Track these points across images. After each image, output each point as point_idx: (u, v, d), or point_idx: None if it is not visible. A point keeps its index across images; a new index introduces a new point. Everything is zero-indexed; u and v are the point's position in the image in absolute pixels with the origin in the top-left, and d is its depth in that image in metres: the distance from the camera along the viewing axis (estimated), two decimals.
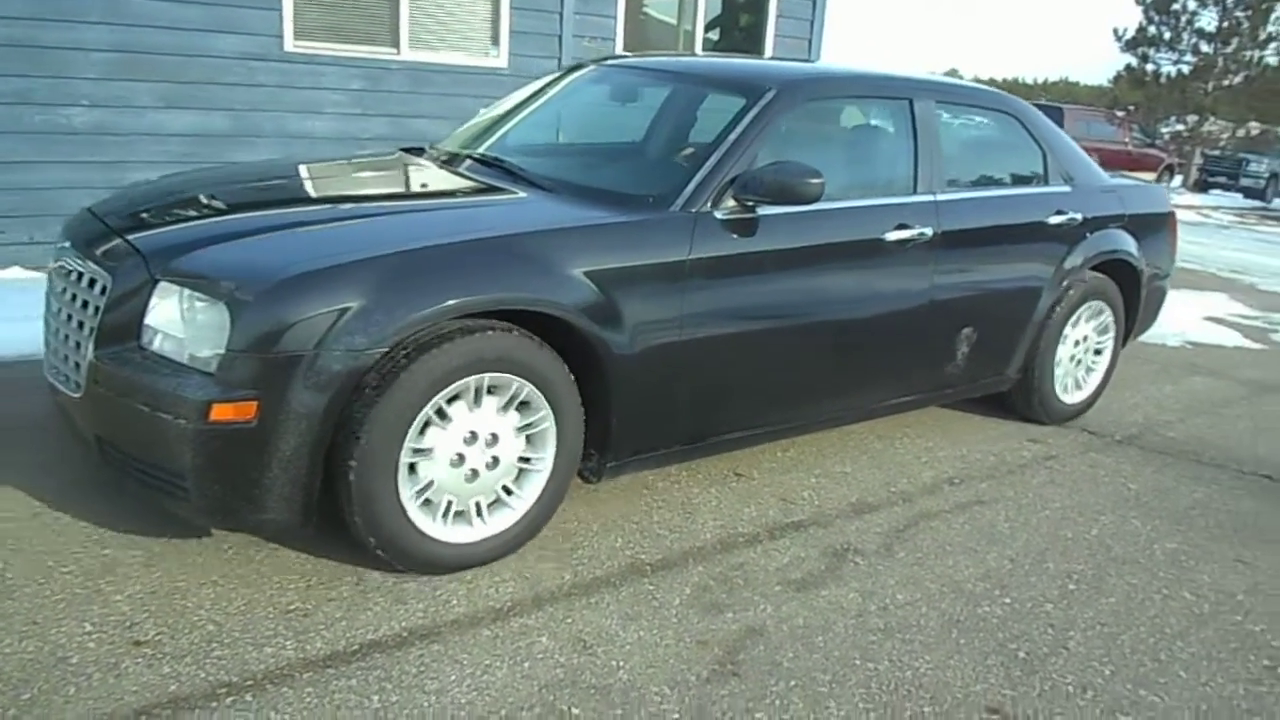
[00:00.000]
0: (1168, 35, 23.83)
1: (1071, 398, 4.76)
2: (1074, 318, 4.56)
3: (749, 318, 3.31)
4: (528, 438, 2.91)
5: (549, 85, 4.32)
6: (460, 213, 3.21)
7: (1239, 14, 22.85)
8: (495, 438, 2.84)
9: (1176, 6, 23.63)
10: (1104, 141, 19.33)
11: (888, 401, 4.06)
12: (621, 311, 2.94)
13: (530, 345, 2.79)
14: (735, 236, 3.19)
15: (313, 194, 3.64)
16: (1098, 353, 4.84)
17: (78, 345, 2.75)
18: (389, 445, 2.61)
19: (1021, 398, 4.59)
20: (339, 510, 2.67)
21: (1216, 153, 23.79)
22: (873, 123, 4.19)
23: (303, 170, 3.90)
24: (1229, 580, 3.31)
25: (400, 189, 3.73)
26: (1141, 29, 24.20)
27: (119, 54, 5.86)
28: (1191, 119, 23.64)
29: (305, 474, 2.57)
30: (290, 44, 6.40)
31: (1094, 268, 4.54)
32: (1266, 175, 22.89)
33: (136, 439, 2.60)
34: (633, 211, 3.10)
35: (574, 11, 7.36)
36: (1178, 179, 22.71)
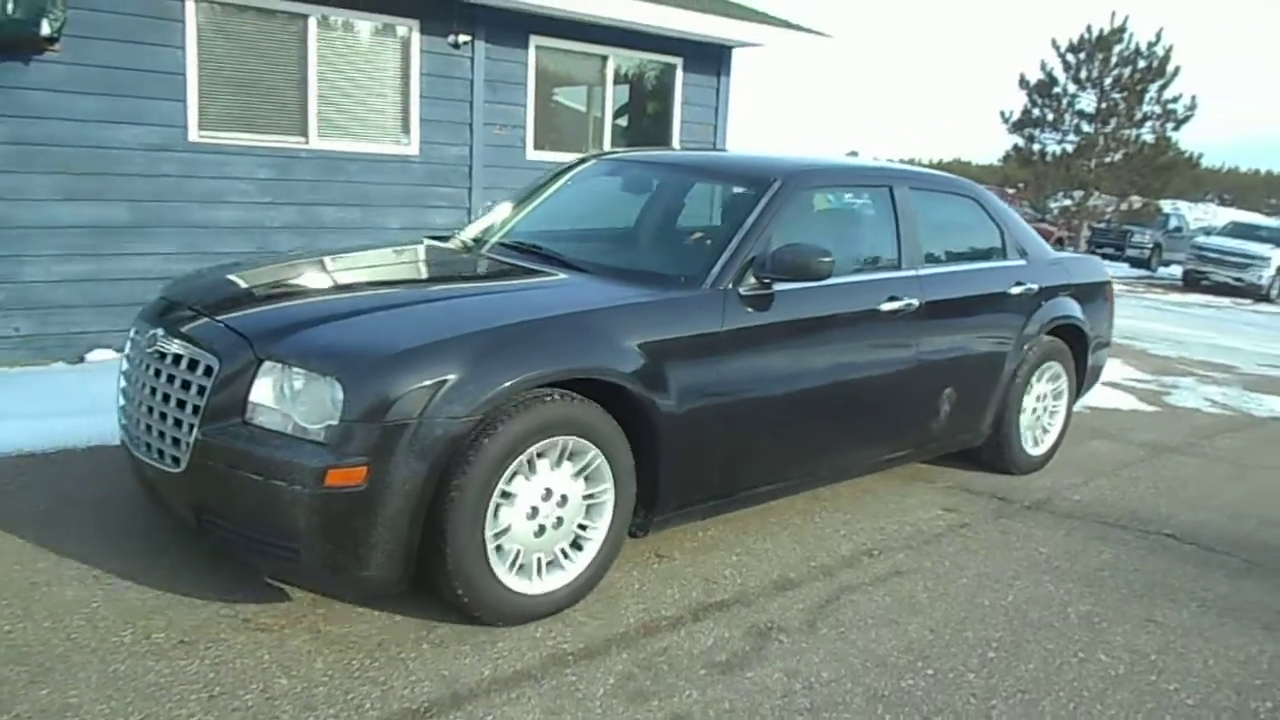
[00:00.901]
0: (1051, 117, 25.26)
1: (1035, 450, 5.21)
2: (1034, 378, 5.02)
3: (771, 381, 3.69)
4: (588, 505, 3.21)
5: (563, 176, 4.75)
6: (523, 294, 3.54)
7: (1115, 96, 24.41)
8: (563, 497, 3.14)
9: (1058, 90, 25.12)
10: None
11: (884, 456, 4.48)
12: (668, 377, 3.29)
13: (594, 409, 3.11)
14: (757, 310, 3.59)
15: (378, 279, 3.93)
16: (1054, 411, 5.30)
17: (178, 423, 2.97)
18: (478, 502, 2.88)
19: (993, 451, 5.00)
20: (430, 564, 2.90)
21: (1102, 225, 25.15)
22: (861, 207, 4.62)
23: (355, 258, 4.24)
24: (1141, 640, 3.38)
25: (459, 273, 4.05)
26: (1026, 111, 25.62)
27: (13, 146, 5.72)
28: (1078, 194, 24.95)
29: (406, 532, 2.82)
30: (195, 134, 6.33)
31: (1048, 333, 5.03)
32: (1150, 245, 24.31)
33: (246, 507, 2.82)
34: (670, 290, 3.49)
35: (484, 100, 7.47)
36: (1067, 251, 23.85)
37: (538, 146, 7.88)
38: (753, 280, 3.59)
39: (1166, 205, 27.08)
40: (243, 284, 3.61)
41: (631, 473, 3.26)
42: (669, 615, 3.25)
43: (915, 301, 4.22)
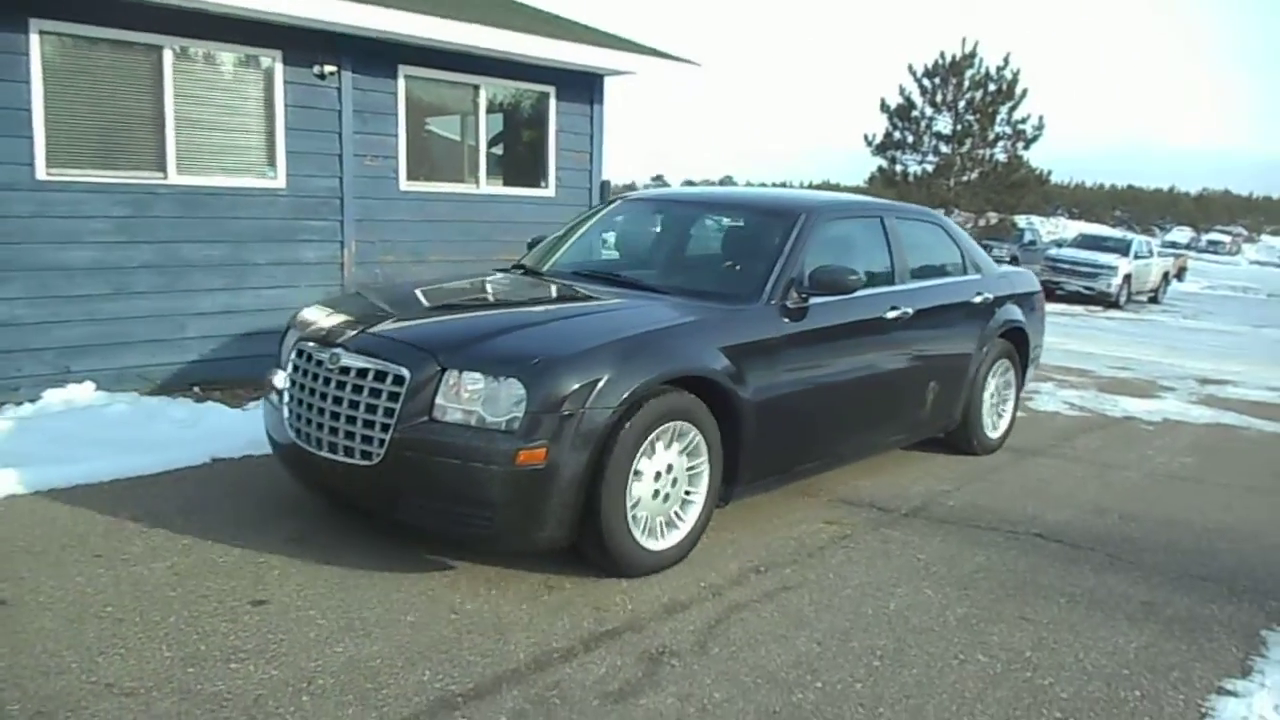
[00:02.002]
0: (911, 139, 26.44)
1: (993, 434, 6.21)
2: (991, 373, 5.98)
3: (812, 376, 4.53)
4: (692, 470, 3.97)
5: (605, 213, 5.74)
6: (633, 311, 4.26)
7: (969, 118, 25.71)
8: (670, 468, 3.88)
9: (916, 113, 26.32)
10: None
11: (889, 439, 5.42)
12: (745, 374, 4.10)
13: (693, 399, 3.88)
14: (797, 319, 4.44)
15: (503, 300, 4.76)
16: (1006, 400, 6.30)
17: (369, 424, 3.62)
18: (621, 477, 3.63)
19: (962, 436, 5.96)
20: (585, 528, 3.60)
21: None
22: (862, 234, 5.35)
23: (463, 283, 5.10)
24: (1016, 638, 3.52)
25: (566, 295, 4.68)
26: (888, 134, 26.74)
27: None
28: (939, 211, 26.14)
29: (573, 500, 3.55)
30: (43, 172, 5.99)
31: (1000, 335, 6.01)
32: (1008, 259, 25.60)
33: (446, 486, 3.51)
34: (735, 305, 4.35)
35: (354, 131, 7.32)
36: None
37: (411, 177, 7.76)
38: (794, 295, 4.45)
39: (1021, 220, 28.66)
40: (389, 308, 4.32)
41: (720, 448, 4.03)
42: (560, 647, 3.22)
43: (909, 310, 5.15)
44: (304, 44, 6.93)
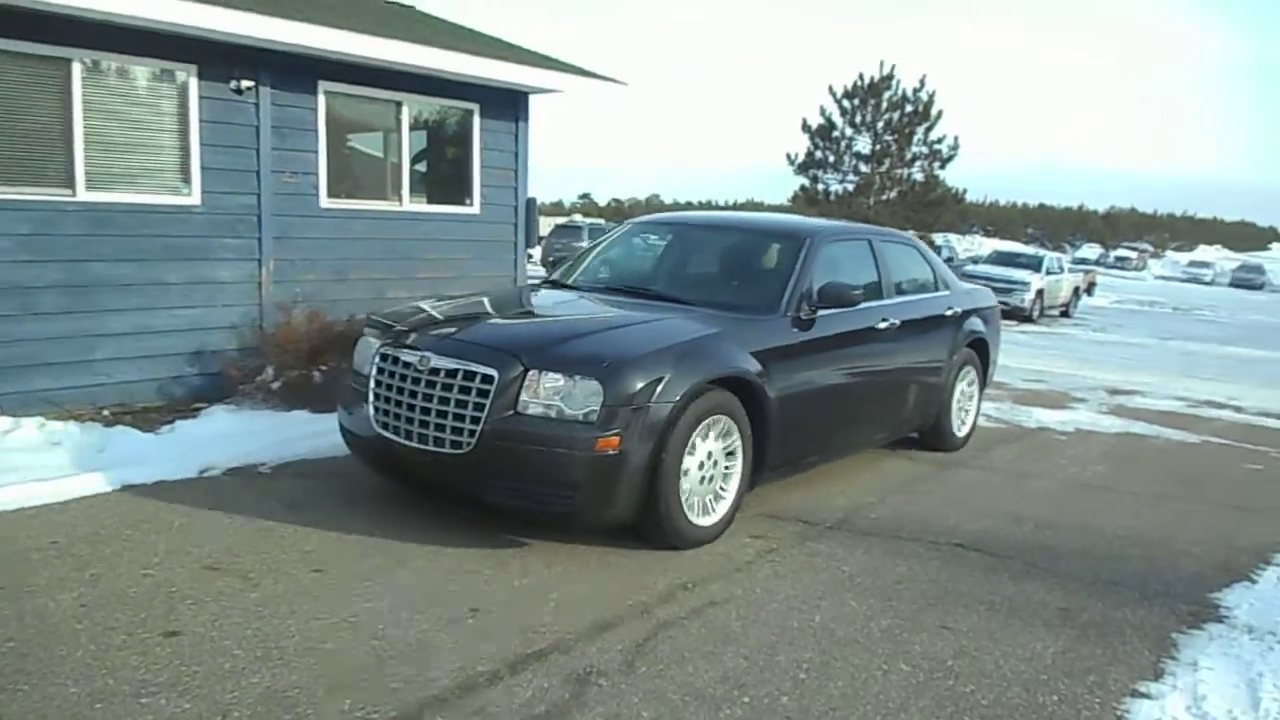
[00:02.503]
0: (832, 159, 26.99)
1: (960, 432, 6.87)
2: (958, 378, 6.65)
3: (820, 378, 5.17)
4: (728, 458, 4.58)
5: (620, 235, 6.43)
6: (677, 321, 4.78)
7: (888, 138, 26.35)
8: (713, 452, 4.49)
9: (837, 134, 26.88)
10: None
11: (877, 436, 6.10)
12: (771, 375, 4.70)
13: (733, 398, 4.52)
14: (808, 329, 5.06)
15: (555, 312, 5.31)
16: (970, 403, 6.97)
17: (460, 418, 4.15)
18: (677, 464, 4.24)
19: (934, 434, 6.62)
20: (646, 508, 4.20)
21: None
22: (854, 254, 5.93)
23: (519, 295, 6.06)
24: (938, 647, 3.58)
25: (613, 307, 5.17)
26: (810, 154, 27.26)
27: None
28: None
29: (640, 482, 4.13)
30: None
31: (966, 345, 6.70)
32: None
33: (534, 470, 4.04)
34: (759, 315, 4.99)
35: (272, 147, 7.17)
36: None
37: (332, 194, 7.63)
38: (805, 308, 5.07)
39: (939, 238, 29.40)
40: (460, 317, 4.88)
41: (751, 439, 4.62)
42: (486, 671, 3.17)
43: (896, 321, 5.81)
44: (220, 58, 6.78)
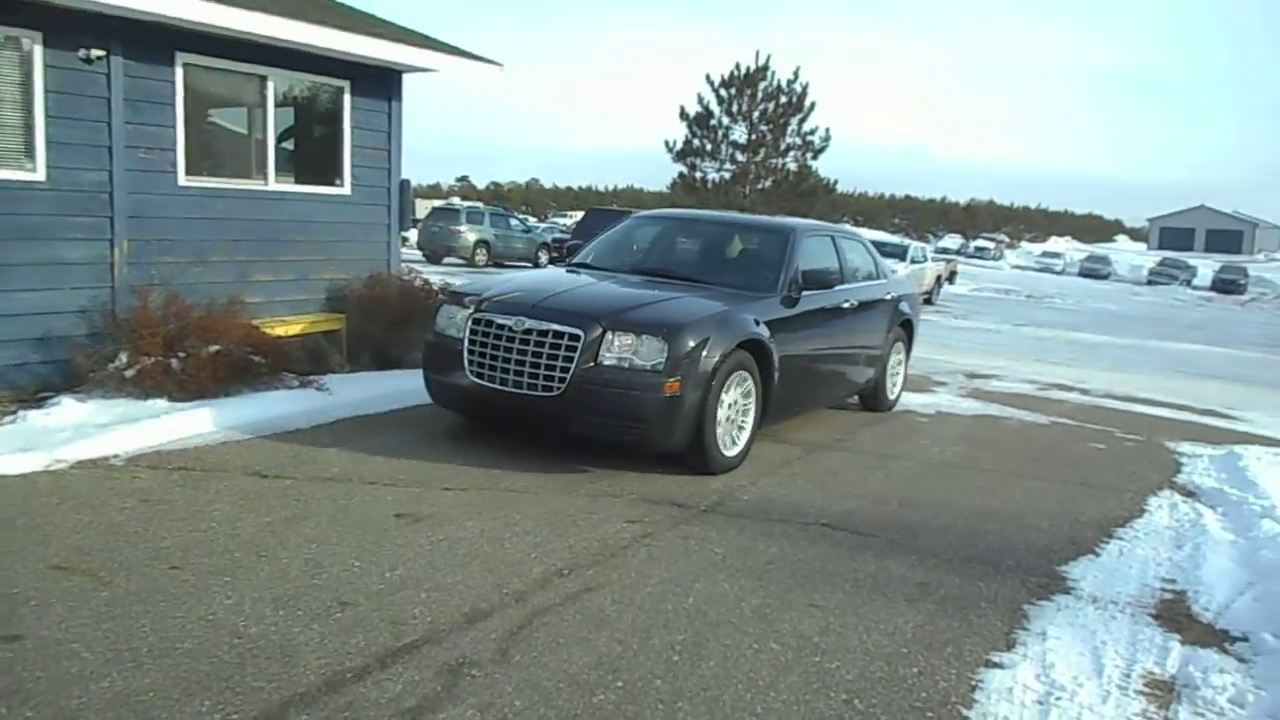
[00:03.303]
0: (709, 147, 27.31)
1: (891, 395, 8.24)
2: (892, 351, 8.00)
3: (803, 345, 6.45)
4: (745, 402, 5.79)
5: (626, 228, 7.66)
6: (706, 297, 5.99)
7: (763, 128, 26.82)
8: (736, 398, 5.70)
9: (714, 122, 27.20)
10: None
11: (840, 393, 7.55)
12: (775, 338, 5.93)
13: (750, 357, 5.72)
14: (794, 306, 6.32)
15: (608, 286, 6.25)
16: (898, 372, 8.35)
17: (551, 367, 5.30)
18: (715, 403, 5.42)
19: (874, 397, 8.01)
20: (693, 439, 5.43)
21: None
22: (823, 246, 7.18)
23: (565, 276, 6.65)
24: (805, 625, 3.69)
25: (652, 285, 6.27)
26: (688, 142, 27.51)
27: None
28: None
29: (692, 419, 5.33)
30: None
31: (898, 324, 8.06)
32: None
33: (614, 407, 5.24)
34: (761, 294, 6.22)
35: (125, 121, 6.75)
36: None
37: (192, 172, 7.25)
38: (794, 289, 6.34)
39: None
40: (545, 293, 5.85)
41: (761, 390, 5.86)
42: (354, 666, 3.09)
43: (855, 301, 7.16)
44: (68, 25, 6.34)
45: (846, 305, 7.01)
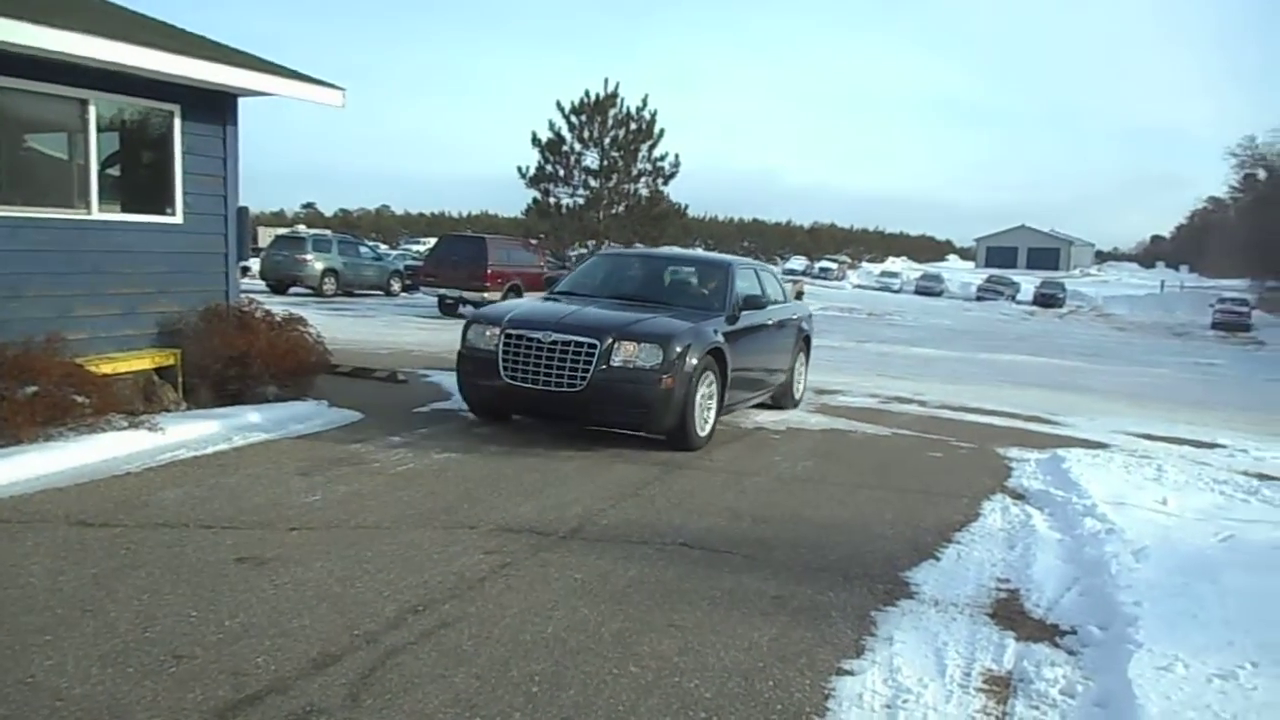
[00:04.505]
0: (562, 173, 27.42)
1: (797, 395, 10.08)
2: (797, 360, 9.88)
3: (743, 353, 8.07)
4: (710, 398, 7.47)
5: (594, 263, 9.71)
6: (676, 315, 7.60)
7: (614, 154, 27.14)
8: (706, 391, 7.40)
9: (566, 148, 27.34)
10: (524, 266, 21.38)
11: (764, 393, 9.13)
12: (731, 346, 7.67)
13: (714, 360, 7.41)
14: (735, 323, 7.99)
15: (600, 309, 7.71)
16: (802, 375, 10.24)
17: (575, 369, 6.92)
18: (694, 396, 7.09)
19: (785, 397, 9.69)
20: (679, 423, 7.11)
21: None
22: (750, 277, 9.13)
23: (563, 302, 8.11)
24: (665, 646, 3.71)
25: (631, 306, 7.84)
26: (540, 168, 27.54)
27: None
28: (592, 243, 27.31)
29: (680, 407, 7.00)
30: None
31: (802, 339, 10.03)
32: None
33: (624, 398, 6.90)
34: (713, 314, 7.88)
35: None
36: None
37: (4, 201, 6.75)
38: (735, 310, 8.10)
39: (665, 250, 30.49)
40: (559, 315, 7.39)
41: (720, 387, 7.56)
42: None
43: (775, 320, 9.09)
44: None
45: (770, 323, 8.90)
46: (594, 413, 6.98)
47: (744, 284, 8.56)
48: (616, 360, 6.85)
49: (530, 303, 8.77)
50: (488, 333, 7.33)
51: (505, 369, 7.10)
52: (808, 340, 10.27)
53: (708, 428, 7.42)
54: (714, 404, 7.48)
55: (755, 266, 9.71)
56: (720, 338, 7.50)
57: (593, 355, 6.82)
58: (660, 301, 8.03)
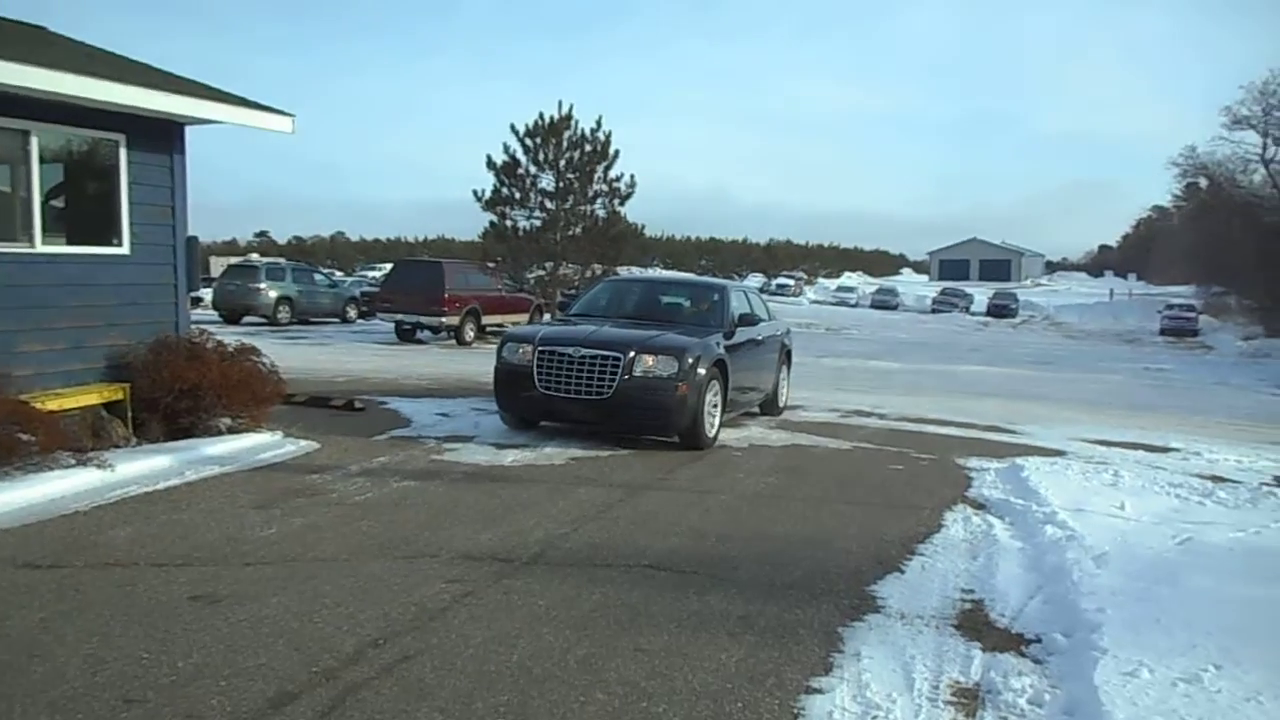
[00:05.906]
0: (518, 196, 27.32)
1: (781, 404, 10.99)
2: (781, 372, 10.79)
3: (739, 364, 9.03)
4: (717, 401, 8.53)
5: (603, 287, 11.11)
6: (684, 332, 8.70)
7: (570, 176, 27.13)
8: (713, 398, 8.46)
9: (521, 171, 27.27)
10: (481, 290, 21.28)
11: (756, 400, 10.10)
12: (732, 357, 8.84)
13: (719, 371, 8.51)
14: (734, 338, 9.10)
15: (616, 327, 8.86)
16: (785, 386, 11.11)
17: (601, 380, 8.00)
18: (704, 402, 8.21)
19: (771, 406, 10.65)
20: (693, 425, 8.19)
21: (573, 291, 27.69)
22: (743, 297, 10.32)
23: (578, 322, 9.28)
24: (632, 670, 3.66)
25: (644, 325, 8.92)
26: (497, 190, 27.43)
27: None
28: (549, 265, 27.24)
29: (693, 411, 8.10)
30: None
31: (785, 352, 11.01)
32: None
33: (646, 404, 8.03)
34: (714, 330, 8.97)
35: None
36: (547, 316, 25.83)
37: None
38: (731, 327, 9.11)
39: (623, 270, 30.56)
40: (585, 333, 8.43)
41: (723, 395, 8.53)
42: None
43: (763, 336, 10.07)
44: None
45: (760, 338, 9.92)
46: (619, 416, 8.01)
47: (737, 303, 9.69)
48: (638, 371, 7.89)
49: (553, 324, 10.66)
50: (521, 350, 8.36)
51: (540, 381, 8.10)
52: (789, 354, 11.28)
53: (714, 430, 8.42)
54: (719, 411, 8.45)
55: (744, 289, 11.29)
56: (722, 350, 8.55)
57: (617, 367, 7.85)
58: (665, 320, 9.21)
